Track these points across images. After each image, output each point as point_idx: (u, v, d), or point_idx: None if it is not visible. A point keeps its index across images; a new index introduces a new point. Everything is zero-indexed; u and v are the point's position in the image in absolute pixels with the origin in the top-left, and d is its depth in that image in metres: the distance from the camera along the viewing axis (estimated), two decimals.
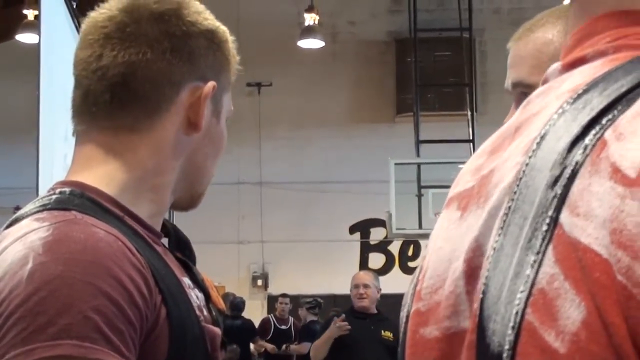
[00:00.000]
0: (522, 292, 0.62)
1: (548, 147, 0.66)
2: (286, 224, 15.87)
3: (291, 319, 12.97)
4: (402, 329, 0.84)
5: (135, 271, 1.25)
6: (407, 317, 0.81)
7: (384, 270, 15.32)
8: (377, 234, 15.96)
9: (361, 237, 16.46)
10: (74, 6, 6.23)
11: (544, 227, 0.63)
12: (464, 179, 0.80)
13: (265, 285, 16.29)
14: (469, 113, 12.92)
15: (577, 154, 0.63)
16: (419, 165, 12.58)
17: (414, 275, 0.86)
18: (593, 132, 0.63)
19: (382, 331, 7.01)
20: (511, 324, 0.62)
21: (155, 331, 1.27)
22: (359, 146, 15.83)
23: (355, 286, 7.26)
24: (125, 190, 1.39)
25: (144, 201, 1.41)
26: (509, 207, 0.67)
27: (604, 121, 0.63)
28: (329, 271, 15.17)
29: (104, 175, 1.39)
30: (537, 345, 0.61)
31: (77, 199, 1.33)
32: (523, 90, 1.59)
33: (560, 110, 0.68)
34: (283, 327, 12.83)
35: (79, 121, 1.45)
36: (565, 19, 1.68)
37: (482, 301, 0.66)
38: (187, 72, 1.43)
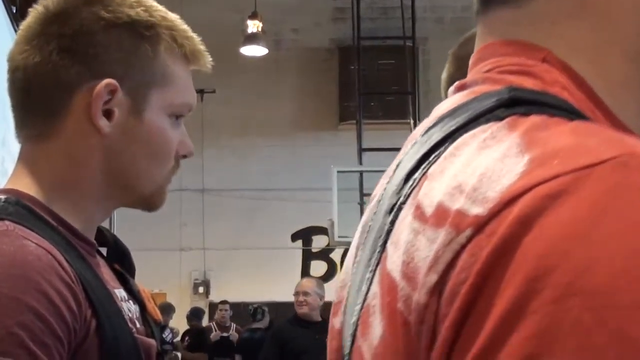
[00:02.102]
0: (358, 304, 0.70)
1: (397, 176, 0.71)
2: (228, 231, 15.81)
3: (233, 326, 12.92)
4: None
5: (64, 285, 1.23)
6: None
7: (326, 277, 15.31)
8: (319, 242, 15.97)
9: (303, 245, 16.46)
10: (14, 10, 6.16)
11: (378, 249, 0.69)
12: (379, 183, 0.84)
13: (207, 293, 16.21)
14: (412, 121, 12.97)
15: (407, 187, 0.68)
16: (361, 173, 12.61)
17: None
18: (422, 166, 0.68)
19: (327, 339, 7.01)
20: (350, 332, 0.70)
21: (85, 344, 1.25)
22: (302, 154, 15.84)
23: (296, 293, 7.29)
24: (51, 201, 1.37)
25: (69, 211, 1.38)
26: (370, 226, 0.73)
27: (431, 157, 0.67)
28: (271, 279, 15.15)
29: (30, 185, 1.37)
30: (358, 355, 0.69)
31: (11, 207, 1.30)
32: None
33: (414, 142, 0.72)
34: (224, 334, 12.78)
35: (15, 127, 1.43)
36: None
37: (345, 306, 0.75)
38: (80, 72, 1.36)
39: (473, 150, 0.64)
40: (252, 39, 13.99)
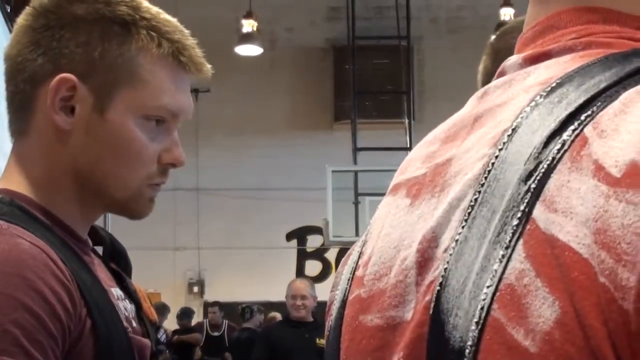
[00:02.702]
0: (488, 287, 0.59)
1: (521, 141, 0.63)
2: (223, 231, 15.81)
3: (225, 325, 12.92)
4: (334, 313, 0.80)
5: (59, 284, 1.23)
6: (343, 301, 0.78)
7: (321, 277, 15.32)
8: (314, 242, 15.98)
9: (298, 245, 16.46)
10: (8, 10, 6.15)
11: (515, 222, 0.60)
12: (413, 165, 0.77)
13: (202, 292, 16.20)
14: (406, 121, 13.00)
15: (554, 149, 0.60)
16: (356, 172, 12.62)
17: (349, 258, 0.83)
18: (572, 127, 0.61)
19: (317, 339, 7.02)
20: (475, 319, 0.59)
21: (79, 343, 1.25)
22: (297, 153, 15.84)
23: (293, 297, 7.25)
24: (42, 199, 1.37)
25: (59, 210, 1.38)
26: (475, 200, 0.64)
27: (582, 117, 0.61)
28: (265, 278, 15.14)
29: (20, 183, 1.37)
30: (503, 342, 0.58)
31: (5, 206, 1.30)
32: None
33: (533, 103, 0.65)
34: (216, 333, 12.81)
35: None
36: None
37: (438, 294, 0.63)
38: (43, 66, 1.35)
39: None
40: (247, 38, 13.99)
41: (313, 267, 16.07)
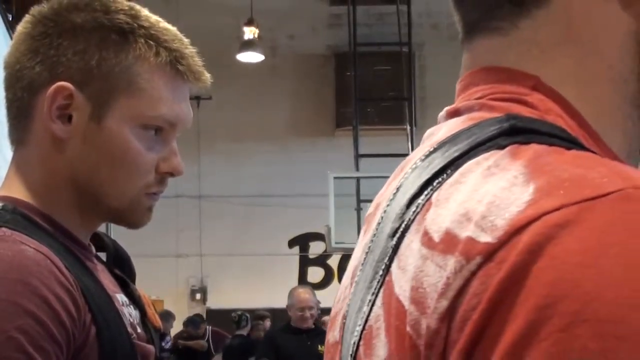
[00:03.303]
0: (359, 325, 0.70)
1: (397, 200, 0.71)
2: (225, 238, 15.80)
3: (208, 330, 12.91)
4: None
5: (63, 290, 1.23)
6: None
7: (323, 284, 15.32)
8: (316, 248, 15.96)
9: (300, 251, 16.45)
10: (10, 19, 6.16)
11: (380, 272, 0.69)
12: (373, 202, 0.83)
13: (204, 299, 16.19)
14: (408, 127, 12.98)
15: (411, 211, 0.68)
16: (358, 179, 12.60)
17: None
18: (426, 192, 0.68)
19: (319, 346, 7.02)
20: (350, 352, 0.71)
21: (84, 350, 1.25)
22: (299, 160, 15.83)
23: (301, 309, 7.21)
24: (45, 207, 1.37)
25: (61, 218, 1.38)
26: (369, 248, 0.73)
27: (435, 183, 0.68)
28: (267, 285, 15.13)
29: (22, 191, 1.37)
30: None
31: (8, 214, 1.30)
32: None
33: (414, 166, 0.73)
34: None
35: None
36: None
37: (342, 325, 0.75)
38: (41, 74, 1.35)
39: (478, 177, 0.65)
40: (248, 45, 14.00)
41: (315, 274, 16.05)
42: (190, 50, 1.41)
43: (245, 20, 13.89)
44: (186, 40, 1.42)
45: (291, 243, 16.37)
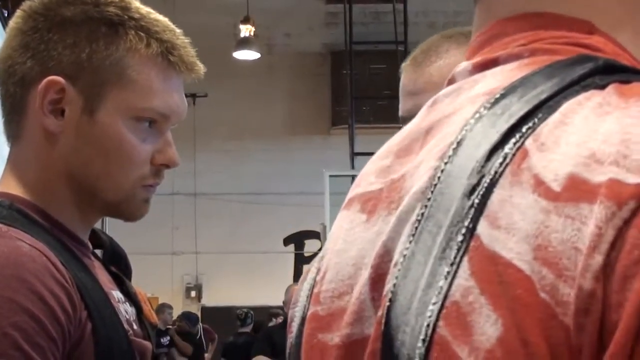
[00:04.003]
0: (434, 304, 0.59)
1: (465, 154, 0.63)
2: (220, 235, 15.79)
3: (200, 328, 12.86)
4: (295, 331, 0.80)
5: (59, 286, 1.22)
6: (303, 319, 0.78)
7: None
8: (311, 246, 15.95)
9: (295, 249, 16.44)
10: (6, 15, 6.16)
11: (459, 238, 0.59)
12: (366, 179, 0.76)
13: (199, 297, 16.18)
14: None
15: (496, 163, 0.60)
16: (353, 177, 12.52)
17: (308, 274, 0.82)
18: (513, 140, 0.61)
19: None
20: (422, 337, 0.59)
21: (80, 346, 1.25)
22: (294, 158, 15.83)
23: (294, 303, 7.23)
24: (41, 203, 1.37)
25: (57, 213, 1.38)
26: (422, 214, 0.63)
27: (524, 129, 0.61)
28: (263, 283, 15.12)
29: (17, 187, 1.37)
30: (447, 359, 0.58)
31: (5, 210, 1.30)
32: None
33: (477, 115, 0.64)
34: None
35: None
36: (466, 45, 1.69)
37: (388, 309, 0.62)
38: (33, 68, 1.34)
39: (590, 116, 0.59)
40: (244, 43, 13.98)
41: None
42: (182, 40, 1.41)
43: (241, 18, 13.86)
44: (178, 31, 1.42)
45: (286, 241, 16.36)
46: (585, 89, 0.61)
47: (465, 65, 0.74)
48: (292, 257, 16.41)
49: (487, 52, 0.73)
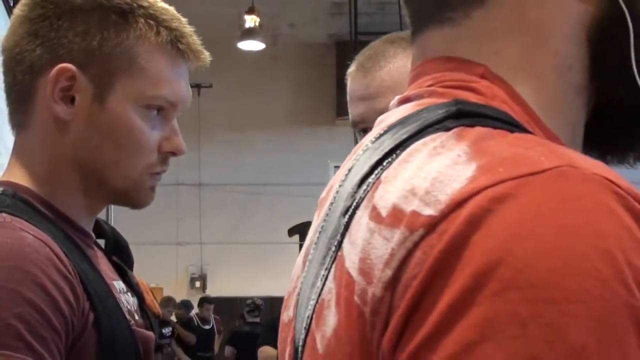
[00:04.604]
0: (312, 299, 0.74)
1: (349, 180, 0.75)
2: (225, 226, 15.81)
3: (212, 320, 12.89)
4: None
5: (62, 277, 1.22)
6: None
7: None
8: None
9: (300, 240, 16.43)
10: (11, 3, 6.15)
11: (333, 248, 0.73)
12: (326, 187, 0.87)
13: (204, 287, 16.21)
14: None
15: (362, 190, 0.72)
16: None
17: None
18: (376, 172, 0.72)
19: None
20: (304, 325, 0.75)
21: (82, 337, 1.25)
22: (299, 149, 15.83)
23: None
24: (45, 193, 1.36)
25: (62, 203, 1.37)
26: (322, 227, 0.77)
27: (384, 163, 0.71)
28: (267, 273, 15.14)
29: (23, 176, 1.37)
30: (312, 345, 0.73)
31: (8, 199, 1.30)
32: None
33: (365, 147, 0.76)
34: (206, 327, 12.80)
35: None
36: (408, 48, 1.72)
37: (297, 301, 0.79)
38: (42, 56, 1.34)
39: (425, 157, 0.68)
40: (249, 33, 13.97)
41: None
42: (189, 29, 1.41)
43: (246, 9, 13.85)
44: (184, 20, 1.42)
45: (291, 231, 16.35)
46: (437, 131, 0.70)
47: (396, 99, 0.84)
48: (296, 247, 16.41)
49: (411, 89, 0.83)
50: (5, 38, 1.39)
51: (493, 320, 0.59)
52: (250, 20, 13.87)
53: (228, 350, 11.99)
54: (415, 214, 0.65)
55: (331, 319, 0.70)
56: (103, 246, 1.50)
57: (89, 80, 1.34)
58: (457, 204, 0.63)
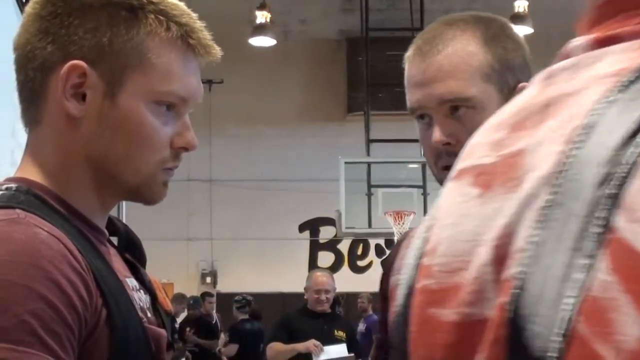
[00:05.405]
0: (571, 297, 0.56)
1: (598, 140, 0.58)
2: (236, 222, 15.83)
3: (215, 315, 12.85)
4: (401, 300, 0.76)
5: (75, 274, 1.23)
6: (410, 288, 0.74)
7: (333, 268, 15.33)
8: (326, 233, 15.98)
9: (310, 236, 16.47)
10: (23, 1, 6.17)
11: (596, 230, 0.56)
12: (478, 151, 0.72)
13: (214, 283, 16.23)
14: None
15: (634, 152, 0.56)
16: (369, 164, 12.61)
17: (412, 241, 0.78)
18: None
19: (335, 330, 7.01)
20: (556, 330, 0.56)
21: (95, 333, 1.25)
22: (310, 144, 15.84)
23: (317, 291, 7.17)
24: (59, 189, 1.37)
25: (75, 199, 1.37)
26: (551, 200, 0.59)
27: None
28: (278, 269, 15.17)
29: (36, 173, 1.37)
30: (589, 357, 0.54)
31: (22, 195, 1.30)
32: (459, 104, 1.57)
33: (611, 99, 0.59)
34: (211, 321, 12.80)
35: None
36: (471, 31, 1.66)
37: (517, 297, 0.59)
38: (53, 53, 1.34)
39: None
40: (260, 29, 13.99)
41: (325, 259, 16.07)
42: (199, 24, 1.41)
43: (257, 5, 13.87)
44: (194, 15, 1.42)
45: (301, 227, 16.39)
46: None
47: (581, 40, 0.69)
48: (307, 243, 16.44)
49: (605, 28, 0.68)
50: (17, 36, 1.40)
51: None
52: (261, 16, 13.88)
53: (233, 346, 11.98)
54: None
55: (631, 326, 0.52)
56: (116, 243, 1.50)
57: (100, 76, 1.34)
58: None
